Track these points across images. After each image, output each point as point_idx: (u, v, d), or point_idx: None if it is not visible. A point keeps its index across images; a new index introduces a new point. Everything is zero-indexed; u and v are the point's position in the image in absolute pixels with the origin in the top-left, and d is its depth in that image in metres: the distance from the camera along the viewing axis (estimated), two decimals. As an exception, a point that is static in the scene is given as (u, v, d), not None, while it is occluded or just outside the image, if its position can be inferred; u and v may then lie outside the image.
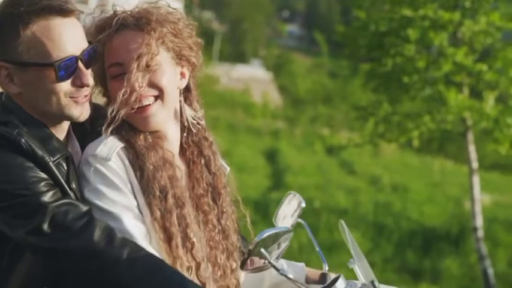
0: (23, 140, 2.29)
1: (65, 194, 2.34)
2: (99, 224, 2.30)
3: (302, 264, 2.82)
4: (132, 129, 2.46)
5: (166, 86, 2.45)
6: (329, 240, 17.11)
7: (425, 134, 13.53)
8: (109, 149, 2.39)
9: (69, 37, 2.34)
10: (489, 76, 13.04)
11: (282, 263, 2.81)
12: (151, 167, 2.41)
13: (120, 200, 2.37)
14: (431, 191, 25.10)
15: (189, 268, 2.45)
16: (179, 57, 2.51)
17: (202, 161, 2.62)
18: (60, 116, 2.41)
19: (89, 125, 2.55)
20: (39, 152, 2.31)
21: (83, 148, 2.49)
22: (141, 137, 2.46)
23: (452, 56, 12.83)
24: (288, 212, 2.79)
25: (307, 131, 36.41)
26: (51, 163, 2.33)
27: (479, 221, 13.76)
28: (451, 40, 13.39)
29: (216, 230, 2.59)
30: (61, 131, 2.47)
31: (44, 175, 2.30)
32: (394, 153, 30.34)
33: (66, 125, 2.48)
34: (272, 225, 2.53)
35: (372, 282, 2.38)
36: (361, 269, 2.55)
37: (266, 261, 2.24)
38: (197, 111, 2.63)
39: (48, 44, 2.31)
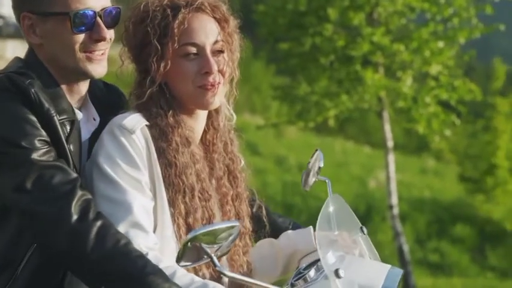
0: (32, 90, 2.31)
1: (61, 152, 2.35)
2: (80, 194, 2.29)
3: (309, 228, 2.81)
4: (162, 109, 2.52)
5: (228, 73, 2.57)
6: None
7: (344, 113, 13.67)
8: (135, 122, 2.43)
9: None
10: (405, 56, 13.25)
11: (288, 233, 2.81)
12: (179, 162, 2.46)
13: (133, 175, 2.39)
14: (336, 171, 25.46)
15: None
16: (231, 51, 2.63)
17: (221, 144, 2.66)
18: (76, 71, 2.43)
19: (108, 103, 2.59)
20: (46, 105, 2.32)
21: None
22: (170, 114, 2.52)
23: (369, 36, 12.98)
24: (311, 170, 2.81)
25: (208, 113, 36.34)
26: (56, 118, 2.34)
27: (394, 199, 14.02)
28: (367, 20, 13.54)
29: (232, 213, 2.65)
30: (77, 92, 2.49)
31: (42, 132, 2.31)
32: (296, 135, 30.61)
33: (83, 86, 2.51)
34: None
35: (336, 271, 2.28)
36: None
37: (206, 256, 2.18)
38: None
39: None
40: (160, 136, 2.47)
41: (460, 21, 13.64)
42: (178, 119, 2.52)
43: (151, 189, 2.42)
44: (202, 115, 2.61)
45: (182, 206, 2.46)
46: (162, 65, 2.48)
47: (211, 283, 2.31)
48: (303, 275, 2.41)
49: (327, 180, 2.78)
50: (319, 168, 2.80)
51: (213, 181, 2.62)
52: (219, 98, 2.55)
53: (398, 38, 13.52)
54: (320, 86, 13.72)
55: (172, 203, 2.45)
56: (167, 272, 2.27)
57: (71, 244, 2.24)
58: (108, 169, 2.37)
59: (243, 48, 2.65)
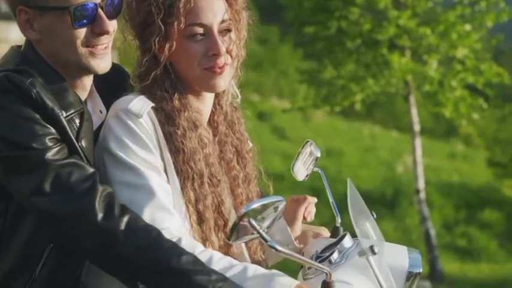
0: (34, 91, 2.20)
1: (73, 151, 2.25)
2: (102, 189, 2.20)
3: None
4: (167, 92, 2.42)
5: (235, 52, 2.46)
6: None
7: (371, 97, 13.62)
8: (141, 105, 2.33)
9: None
10: (432, 40, 13.16)
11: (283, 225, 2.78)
12: (187, 148, 2.37)
13: (147, 158, 2.30)
14: (364, 156, 25.41)
15: (220, 247, 2.41)
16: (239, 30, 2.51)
17: (229, 125, 2.58)
18: (79, 67, 2.32)
19: (113, 85, 2.46)
20: (50, 105, 2.21)
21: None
22: (175, 97, 2.42)
23: (396, 19, 12.91)
24: (305, 161, 2.78)
25: (237, 98, 36.30)
26: (62, 117, 2.23)
27: (421, 183, 13.96)
28: (393, 3, 13.45)
29: (243, 196, 2.56)
30: (81, 87, 2.39)
31: (51, 129, 2.21)
32: (323, 119, 30.54)
33: (87, 80, 2.40)
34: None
35: (372, 248, 2.29)
36: (363, 231, 2.51)
37: (255, 232, 2.13)
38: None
39: None
40: (167, 120, 2.37)
41: (487, 4, 13.52)
42: (184, 101, 2.42)
43: (162, 167, 2.34)
44: (209, 96, 2.50)
45: (192, 193, 2.37)
46: (167, 46, 2.36)
47: (252, 265, 2.25)
48: (325, 258, 2.40)
49: (320, 171, 2.78)
50: (317, 158, 2.78)
51: (223, 164, 2.52)
52: (227, 80, 2.44)
53: (425, 22, 13.44)
54: (346, 70, 13.69)
55: (181, 190, 2.36)
56: (203, 258, 2.20)
57: (100, 243, 2.16)
58: (122, 154, 2.28)
59: (251, 26, 2.54)
